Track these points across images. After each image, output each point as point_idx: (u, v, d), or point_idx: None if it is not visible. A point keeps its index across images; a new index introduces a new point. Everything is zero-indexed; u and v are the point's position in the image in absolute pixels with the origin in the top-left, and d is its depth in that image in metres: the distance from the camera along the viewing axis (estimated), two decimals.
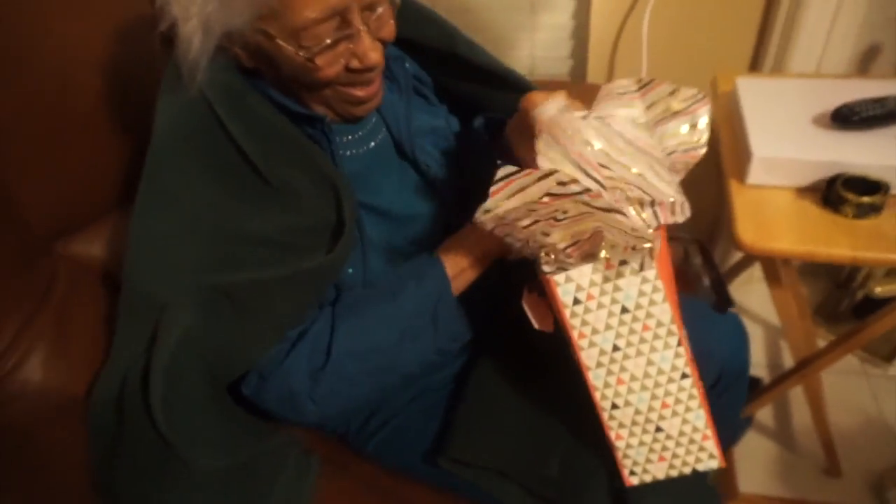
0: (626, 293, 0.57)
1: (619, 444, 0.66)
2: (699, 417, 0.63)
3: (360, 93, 0.67)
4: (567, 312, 0.58)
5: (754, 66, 1.33)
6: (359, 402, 0.72)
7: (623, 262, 0.55)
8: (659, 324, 0.58)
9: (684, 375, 0.61)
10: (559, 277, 0.56)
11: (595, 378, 0.61)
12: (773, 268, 0.97)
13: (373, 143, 0.76)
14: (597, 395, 0.63)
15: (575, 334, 0.59)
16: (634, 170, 0.60)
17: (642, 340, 0.59)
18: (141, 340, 0.63)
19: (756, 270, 1.52)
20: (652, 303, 0.57)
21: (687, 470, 0.67)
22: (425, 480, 0.82)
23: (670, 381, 0.61)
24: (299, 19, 0.57)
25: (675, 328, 0.59)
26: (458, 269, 0.69)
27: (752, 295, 1.63)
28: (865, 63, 1.31)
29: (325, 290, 0.70)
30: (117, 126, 0.89)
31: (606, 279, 0.56)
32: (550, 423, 0.75)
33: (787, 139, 0.91)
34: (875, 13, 1.23)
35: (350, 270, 0.71)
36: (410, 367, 0.70)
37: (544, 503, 0.73)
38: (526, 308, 0.63)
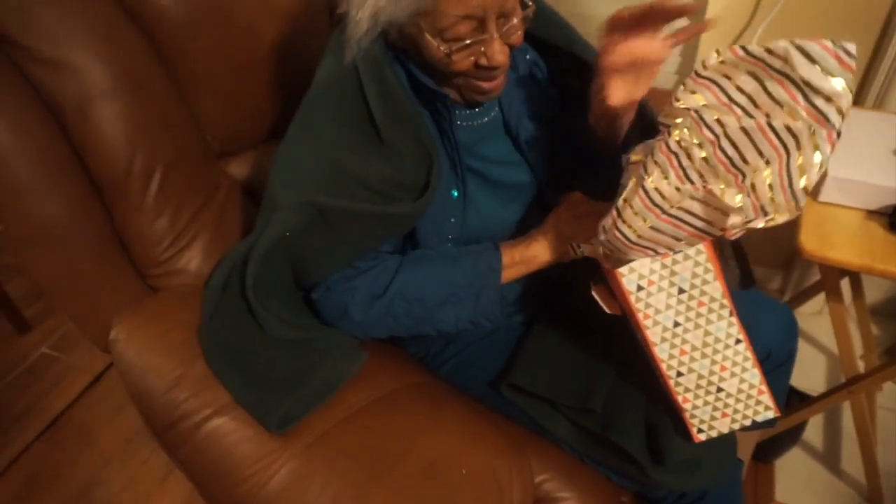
0: (681, 276, 0.67)
1: (687, 407, 0.76)
2: (754, 375, 0.73)
3: (485, 85, 0.78)
4: (632, 298, 0.68)
5: (857, 100, 1.38)
6: (398, 334, 0.88)
7: (677, 250, 0.65)
8: (712, 299, 0.69)
9: (738, 341, 0.71)
10: (623, 269, 0.67)
11: (661, 352, 0.72)
12: (835, 284, 1.05)
13: (486, 119, 0.89)
14: (663, 367, 0.73)
15: (640, 316, 0.70)
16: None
17: (699, 315, 0.70)
18: (258, 231, 0.83)
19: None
20: (704, 282, 0.67)
21: (747, 422, 0.77)
22: (486, 403, 0.95)
23: (727, 346, 0.71)
24: (445, 20, 0.71)
25: (726, 302, 0.69)
26: (513, 262, 0.82)
27: (822, 324, 1.67)
28: None
29: (398, 234, 0.85)
30: (278, 79, 1.09)
31: (664, 266, 0.67)
32: (598, 369, 0.86)
33: (863, 164, 0.98)
34: None
35: (452, 220, 0.86)
36: (446, 325, 0.84)
37: (587, 434, 0.85)
38: (596, 297, 0.74)
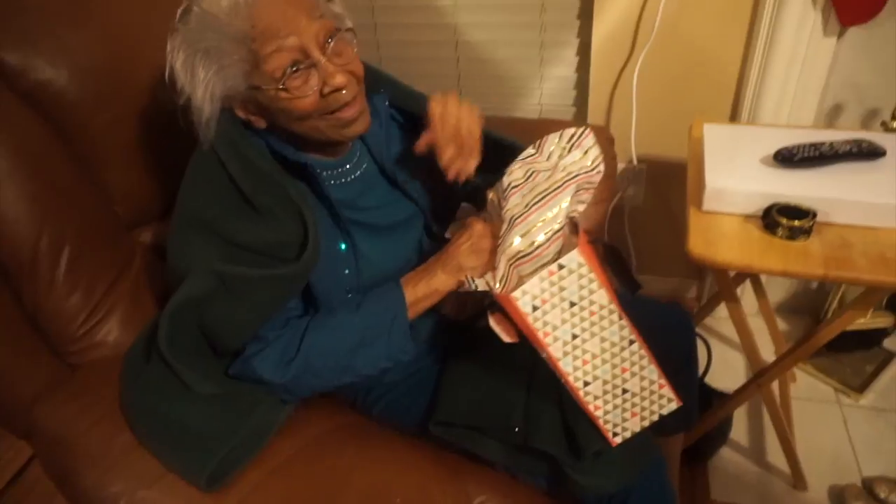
0: (569, 290, 0.73)
1: (598, 413, 0.80)
2: (653, 371, 0.78)
3: (345, 115, 0.83)
4: (530, 319, 0.73)
5: (734, 117, 1.51)
6: (325, 389, 0.90)
7: (561, 267, 0.71)
8: (601, 307, 0.74)
9: (632, 341, 0.76)
10: (516, 293, 0.72)
11: (565, 366, 0.77)
12: (726, 284, 1.13)
13: (358, 172, 0.96)
14: (570, 379, 0.78)
15: (540, 335, 0.74)
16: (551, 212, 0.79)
17: (592, 324, 0.75)
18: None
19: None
20: (591, 292, 0.73)
21: (655, 418, 0.81)
22: (420, 437, 0.97)
23: (622, 349, 0.77)
24: (270, 61, 0.77)
25: (613, 307, 0.75)
26: (416, 298, 0.86)
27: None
28: (830, 120, 1.48)
29: (294, 294, 0.87)
30: (181, 147, 1.11)
31: (552, 283, 0.72)
32: (512, 387, 0.90)
33: (737, 174, 1.08)
34: (836, 76, 1.41)
35: (346, 272, 0.90)
36: (366, 370, 0.87)
37: (514, 450, 0.88)
38: (494, 327, 0.78)
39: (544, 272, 0.71)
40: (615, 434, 0.83)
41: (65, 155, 0.96)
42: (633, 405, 0.80)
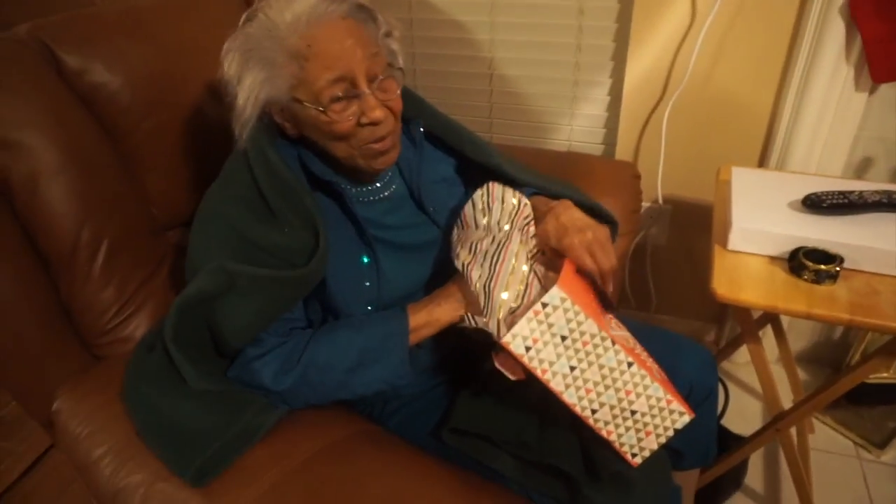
0: (558, 325, 0.74)
1: (613, 438, 0.81)
2: (657, 389, 0.78)
3: (376, 146, 0.87)
4: (526, 360, 0.75)
5: (761, 163, 1.53)
6: (318, 402, 0.90)
7: (544, 305, 0.73)
8: (592, 336, 0.75)
9: (630, 364, 0.77)
10: (507, 338, 0.74)
11: (570, 397, 0.78)
12: (749, 324, 1.13)
13: (386, 193, 0.98)
14: (577, 409, 0.79)
15: (539, 372, 0.76)
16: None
17: (587, 353, 0.76)
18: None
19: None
20: (579, 323, 0.74)
21: (671, 433, 0.81)
22: (434, 453, 0.98)
23: (622, 373, 0.77)
24: (318, 83, 0.81)
25: (605, 334, 0.75)
26: (418, 325, 0.87)
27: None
28: (859, 173, 1.49)
29: (300, 297, 0.89)
30: (219, 157, 1.14)
31: (540, 322, 0.74)
32: (528, 406, 0.91)
33: (764, 216, 1.09)
34: (867, 131, 1.43)
35: (367, 284, 0.92)
36: (361, 389, 0.87)
37: (529, 467, 0.88)
38: (499, 367, 0.80)
39: (530, 313, 0.73)
40: (634, 455, 0.82)
41: (113, 155, 1.00)
42: (646, 424, 0.80)
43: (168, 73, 1.09)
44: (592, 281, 0.86)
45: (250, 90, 0.83)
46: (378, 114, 0.83)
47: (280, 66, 0.81)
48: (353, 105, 0.83)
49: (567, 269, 0.80)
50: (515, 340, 0.74)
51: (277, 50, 0.81)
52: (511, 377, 0.79)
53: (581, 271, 0.85)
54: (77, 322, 0.97)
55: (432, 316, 0.88)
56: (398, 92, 0.88)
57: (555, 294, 0.73)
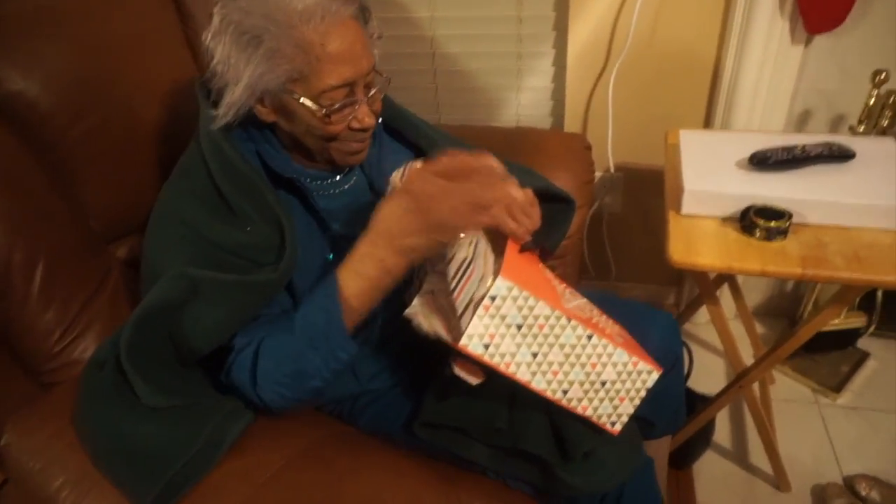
0: (511, 315, 0.72)
1: (589, 413, 0.80)
2: (621, 355, 0.78)
3: (355, 145, 0.88)
4: (486, 357, 0.73)
5: (707, 124, 1.54)
6: (298, 398, 0.81)
7: (493, 298, 0.70)
8: (546, 318, 0.73)
9: (589, 336, 0.76)
10: (463, 340, 0.71)
11: (538, 384, 0.76)
12: (707, 286, 1.15)
13: (346, 186, 0.96)
14: (549, 394, 0.77)
15: (502, 367, 0.74)
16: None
17: (546, 336, 0.74)
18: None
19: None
20: (531, 308, 0.72)
21: (643, 393, 0.81)
22: (408, 446, 0.97)
23: (584, 347, 0.76)
24: (323, 84, 0.78)
25: (559, 313, 0.74)
26: (360, 288, 0.77)
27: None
28: (800, 125, 1.52)
29: (270, 300, 0.84)
30: (158, 160, 1.10)
31: (492, 316, 0.71)
32: (497, 393, 0.88)
33: (714, 177, 1.10)
34: (805, 83, 1.45)
35: None
36: (321, 371, 0.78)
37: (502, 454, 0.88)
38: (459, 373, 0.78)
39: (480, 310, 0.70)
40: (613, 423, 0.82)
41: (37, 168, 0.94)
42: (618, 391, 0.80)
43: (94, 75, 1.02)
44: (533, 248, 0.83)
45: (248, 77, 0.78)
46: (370, 121, 0.85)
47: (287, 57, 0.77)
48: (346, 109, 0.82)
49: (509, 252, 0.77)
50: (472, 341, 0.71)
51: (283, 38, 0.76)
52: (472, 382, 0.78)
53: (532, 253, 0.83)
54: (19, 349, 0.91)
55: (380, 268, 0.77)
56: (381, 95, 0.88)
57: (500, 285, 0.70)
